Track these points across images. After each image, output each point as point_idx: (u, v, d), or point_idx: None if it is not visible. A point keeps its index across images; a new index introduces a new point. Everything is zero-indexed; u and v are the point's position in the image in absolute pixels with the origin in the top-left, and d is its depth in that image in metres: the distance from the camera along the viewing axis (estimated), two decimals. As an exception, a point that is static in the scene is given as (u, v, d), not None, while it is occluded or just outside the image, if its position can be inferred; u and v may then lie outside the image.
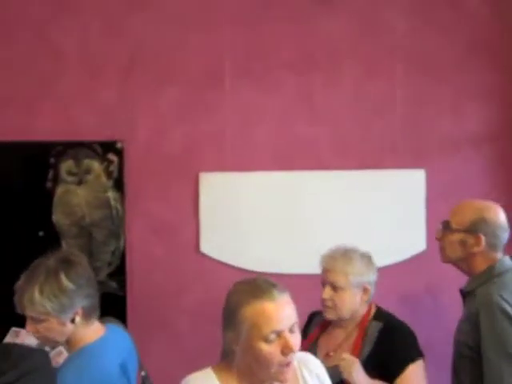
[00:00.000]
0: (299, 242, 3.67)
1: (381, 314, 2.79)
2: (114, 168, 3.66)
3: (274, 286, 1.97)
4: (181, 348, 3.66)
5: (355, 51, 3.72)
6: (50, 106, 3.66)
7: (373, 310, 2.80)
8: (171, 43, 3.70)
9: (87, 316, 2.28)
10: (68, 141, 3.64)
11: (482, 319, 2.51)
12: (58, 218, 3.65)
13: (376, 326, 2.72)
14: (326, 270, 2.78)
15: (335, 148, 3.72)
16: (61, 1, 3.69)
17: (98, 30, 3.68)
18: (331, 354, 2.72)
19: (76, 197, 3.66)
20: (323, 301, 2.74)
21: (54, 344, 2.49)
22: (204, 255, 3.68)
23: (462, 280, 2.75)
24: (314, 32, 3.72)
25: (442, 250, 2.77)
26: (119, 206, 3.65)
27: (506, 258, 2.68)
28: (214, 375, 1.99)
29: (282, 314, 1.92)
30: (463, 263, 2.71)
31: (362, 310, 2.77)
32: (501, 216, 2.67)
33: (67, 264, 2.27)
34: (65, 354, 2.65)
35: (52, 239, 3.60)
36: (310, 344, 2.75)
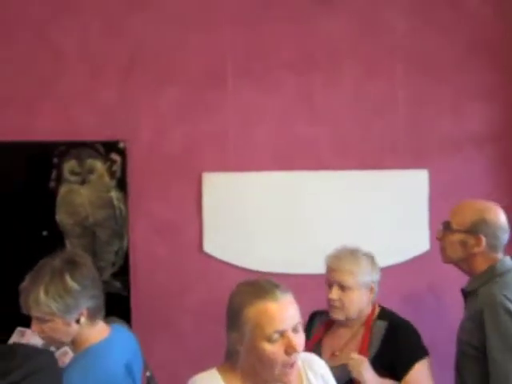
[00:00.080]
0: (302, 242, 3.68)
1: (385, 313, 2.81)
2: (116, 168, 3.67)
3: (276, 286, 1.98)
4: (185, 348, 3.66)
5: (355, 51, 3.72)
6: (51, 106, 3.66)
7: (377, 310, 2.82)
8: (172, 43, 3.70)
9: (92, 316, 2.30)
10: (70, 141, 3.65)
11: (487, 319, 2.52)
12: (62, 217, 3.66)
13: (381, 325, 2.74)
14: (332, 270, 2.78)
15: (336, 148, 3.73)
16: (61, 1, 3.69)
17: (98, 30, 3.68)
18: (337, 353, 2.73)
19: (79, 196, 3.66)
20: (331, 301, 2.75)
21: (60, 344, 2.50)
22: (207, 255, 3.69)
23: (465, 280, 2.77)
24: (314, 32, 3.73)
25: (443, 250, 2.78)
26: (122, 206, 3.66)
27: (507, 259, 2.69)
28: (219, 376, 2.00)
29: (285, 313, 1.93)
30: (464, 263, 2.72)
31: (367, 310, 2.78)
32: (501, 217, 2.68)
33: (72, 265, 2.28)
34: (70, 354, 2.65)
35: (56, 239, 3.61)
36: (313, 344, 2.76)
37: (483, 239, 2.63)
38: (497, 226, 2.65)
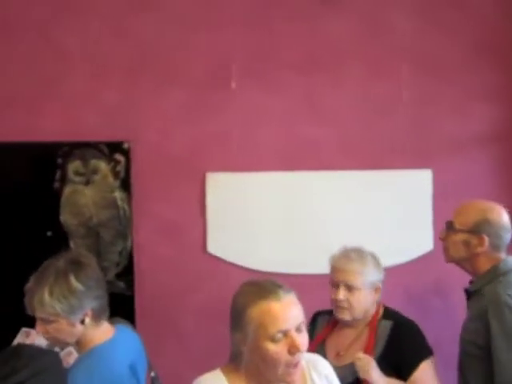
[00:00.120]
0: (305, 242, 3.68)
1: (389, 313, 2.81)
2: (120, 168, 3.67)
3: (279, 286, 1.98)
4: (189, 348, 3.67)
5: (360, 52, 3.72)
6: (55, 107, 3.66)
7: (381, 309, 2.82)
8: (176, 44, 3.70)
9: (97, 317, 2.30)
10: (74, 141, 3.65)
11: (491, 319, 2.53)
12: (66, 218, 3.66)
13: (387, 325, 2.74)
14: (338, 271, 2.78)
15: (341, 148, 3.72)
16: (65, 1, 3.69)
17: (103, 30, 3.68)
18: (342, 353, 2.74)
19: (83, 197, 3.67)
20: (337, 301, 2.74)
21: (64, 345, 2.50)
22: (211, 255, 3.69)
23: (468, 280, 2.78)
24: (318, 33, 3.73)
25: (446, 250, 2.80)
26: (126, 206, 3.67)
27: (510, 258, 2.71)
28: (223, 376, 2.00)
29: (288, 313, 1.93)
30: (467, 263, 2.73)
31: (372, 310, 2.78)
32: (504, 217, 2.70)
33: (77, 265, 2.29)
34: (75, 355, 2.65)
35: (60, 239, 3.62)
36: (317, 344, 2.76)
37: (486, 239, 2.65)
38: (499, 225, 2.67)
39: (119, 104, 3.68)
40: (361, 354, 2.60)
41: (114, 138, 3.67)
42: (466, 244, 2.69)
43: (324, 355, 2.52)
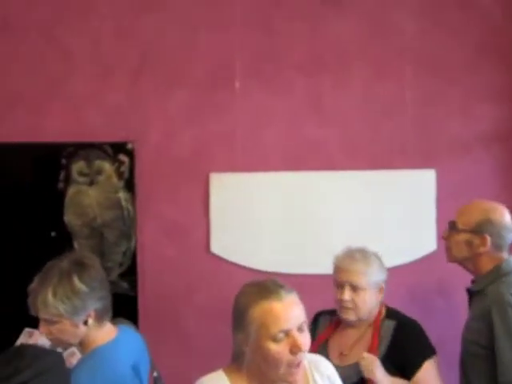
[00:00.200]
0: (309, 243, 3.68)
1: (392, 313, 2.82)
2: (124, 169, 3.68)
3: (281, 286, 1.99)
4: (192, 348, 3.67)
5: (365, 53, 3.72)
6: (59, 108, 3.68)
7: (383, 310, 2.82)
8: (181, 45, 3.71)
9: (100, 318, 2.31)
10: (79, 142, 3.66)
11: (495, 319, 2.54)
12: (70, 218, 3.67)
13: (390, 325, 2.74)
14: (343, 271, 2.77)
15: (345, 149, 3.72)
16: (71, 2, 3.71)
17: (108, 32, 3.69)
18: (345, 353, 2.74)
19: (87, 197, 3.68)
20: (342, 302, 2.74)
21: (67, 346, 2.50)
22: (214, 255, 3.69)
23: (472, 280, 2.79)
24: (323, 34, 3.72)
25: (448, 249, 2.81)
26: (130, 207, 3.67)
27: None
28: (226, 377, 2.00)
29: (290, 313, 1.93)
30: (469, 263, 2.74)
31: (376, 310, 2.79)
32: (506, 217, 2.71)
33: (80, 266, 2.29)
34: (78, 355, 2.66)
35: (64, 240, 3.63)
36: (319, 345, 2.76)
37: (488, 239, 2.66)
38: (502, 225, 2.68)
39: (123, 105, 3.69)
40: (366, 354, 2.61)
41: (118, 138, 3.68)
42: (469, 244, 2.70)
43: (326, 355, 2.52)
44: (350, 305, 2.73)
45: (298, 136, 3.72)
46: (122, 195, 3.67)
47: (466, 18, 3.73)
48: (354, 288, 2.73)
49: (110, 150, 3.68)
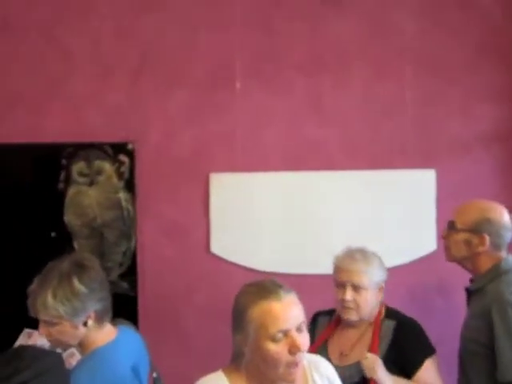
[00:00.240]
0: (309, 243, 3.68)
1: (391, 313, 2.82)
2: (125, 169, 3.68)
3: (280, 286, 1.99)
4: (192, 348, 3.67)
5: (365, 53, 3.72)
6: (59, 108, 3.68)
7: (383, 309, 2.82)
8: (181, 44, 3.71)
9: (100, 319, 2.31)
10: (79, 142, 3.67)
11: (495, 317, 2.54)
12: (70, 218, 3.68)
13: (390, 325, 2.75)
14: (343, 271, 2.77)
15: (345, 149, 3.72)
16: (71, 2, 3.71)
17: (108, 32, 3.70)
18: (346, 353, 2.74)
19: (87, 198, 3.68)
20: (344, 302, 2.74)
21: (67, 347, 2.50)
22: (214, 256, 3.69)
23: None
24: (323, 34, 3.72)
25: (447, 249, 2.82)
26: (130, 207, 3.67)
27: (511, 257, 2.72)
28: (225, 377, 2.00)
29: (289, 313, 1.93)
30: (468, 262, 2.75)
31: (376, 310, 2.79)
32: (504, 216, 2.72)
33: (80, 268, 2.29)
34: (77, 356, 2.66)
35: (64, 240, 3.64)
36: (319, 345, 2.76)
37: (487, 238, 2.66)
38: (500, 225, 2.68)
39: (123, 105, 3.70)
40: (368, 353, 2.61)
41: (118, 138, 3.68)
42: (468, 243, 2.71)
43: (326, 355, 2.53)
44: (351, 305, 2.73)
45: (298, 136, 3.72)
46: (122, 195, 3.67)
47: (466, 18, 3.73)
48: (356, 288, 2.73)
49: (110, 151, 3.68)
